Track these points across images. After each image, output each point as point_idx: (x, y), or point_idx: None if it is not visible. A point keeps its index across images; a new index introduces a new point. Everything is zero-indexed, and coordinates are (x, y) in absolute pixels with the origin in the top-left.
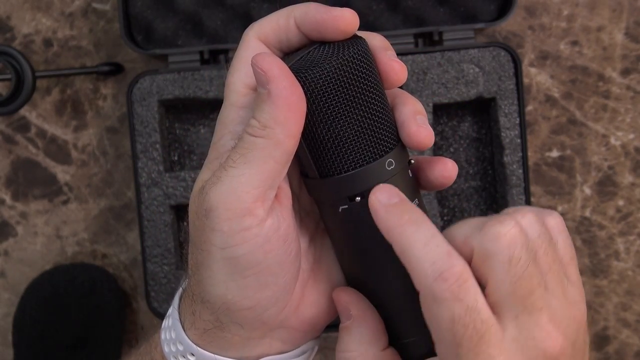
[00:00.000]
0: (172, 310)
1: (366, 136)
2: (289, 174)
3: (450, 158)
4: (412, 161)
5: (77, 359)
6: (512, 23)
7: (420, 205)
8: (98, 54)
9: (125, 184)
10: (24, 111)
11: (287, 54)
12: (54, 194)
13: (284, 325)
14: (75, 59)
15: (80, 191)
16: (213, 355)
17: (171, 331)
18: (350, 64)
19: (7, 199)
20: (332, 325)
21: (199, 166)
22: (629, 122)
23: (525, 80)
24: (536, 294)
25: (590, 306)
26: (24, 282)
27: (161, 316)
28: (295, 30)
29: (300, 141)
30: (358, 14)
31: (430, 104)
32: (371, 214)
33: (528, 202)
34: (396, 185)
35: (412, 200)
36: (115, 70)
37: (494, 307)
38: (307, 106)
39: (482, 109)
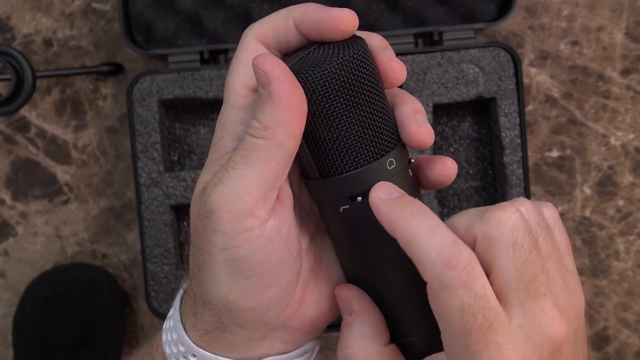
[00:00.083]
0: (173, 312)
1: (367, 136)
2: (289, 174)
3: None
4: (413, 160)
5: (77, 359)
6: (512, 23)
7: None
8: (98, 54)
9: (125, 184)
10: (24, 111)
11: (287, 55)
12: (54, 194)
13: (286, 326)
14: (75, 59)
15: (80, 191)
16: (214, 356)
17: (172, 332)
18: (350, 64)
19: (7, 199)
20: (333, 325)
21: (199, 166)
22: (629, 122)
23: (525, 80)
24: (540, 279)
25: (590, 306)
26: (24, 282)
27: (161, 316)
28: (295, 31)
29: (300, 142)
30: (358, 14)
31: (430, 104)
32: (373, 213)
33: None
34: (397, 184)
35: None
36: (115, 70)
37: (499, 295)
38: (308, 107)
39: (482, 109)
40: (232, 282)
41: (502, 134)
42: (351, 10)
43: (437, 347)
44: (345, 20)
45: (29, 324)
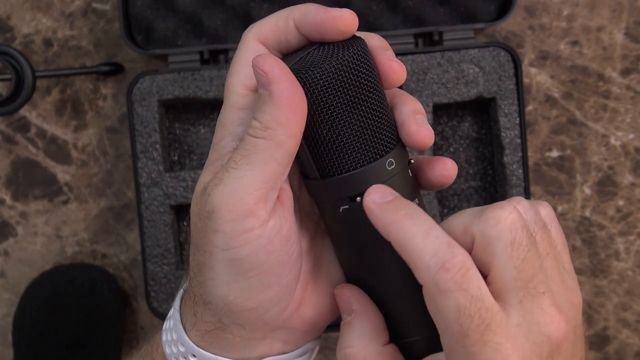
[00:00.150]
0: (173, 312)
1: (366, 136)
2: (289, 174)
3: (450, 158)
4: (412, 161)
5: (77, 359)
6: (512, 23)
7: (421, 205)
8: (98, 54)
9: (125, 184)
10: (24, 111)
11: (287, 55)
12: (54, 194)
13: (286, 326)
14: (75, 59)
15: (80, 191)
16: (214, 356)
17: (172, 332)
18: (350, 64)
19: (7, 199)
20: (333, 325)
21: (199, 166)
22: (629, 122)
23: (525, 80)
24: (538, 277)
25: (590, 306)
26: (24, 282)
27: (161, 316)
28: (295, 32)
29: (300, 142)
30: (358, 14)
31: (430, 104)
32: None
33: None
34: (396, 185)
35: (412, 199)
36: (115, 70)
37: (497, 294)
38: (308, 107)
39: (482, 109)
40: (232, 282)
41: (502, 134)
42: (351, 11)
43: (437, 347)
44: (345, 20)
45: (29, 324)
